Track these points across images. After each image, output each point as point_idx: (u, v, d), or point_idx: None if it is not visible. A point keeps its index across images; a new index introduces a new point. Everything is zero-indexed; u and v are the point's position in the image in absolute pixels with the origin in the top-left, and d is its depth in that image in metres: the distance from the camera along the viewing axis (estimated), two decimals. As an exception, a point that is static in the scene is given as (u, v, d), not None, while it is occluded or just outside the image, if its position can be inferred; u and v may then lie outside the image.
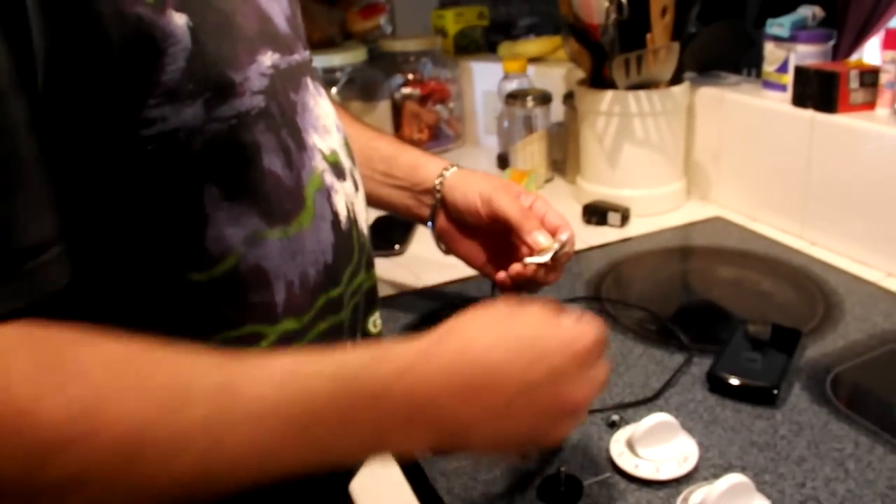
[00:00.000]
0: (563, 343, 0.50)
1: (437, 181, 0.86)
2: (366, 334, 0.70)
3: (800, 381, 0.79)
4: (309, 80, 0.62)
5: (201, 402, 0.42)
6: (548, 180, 1.50)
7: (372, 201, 0.90)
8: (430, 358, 0.48)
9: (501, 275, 0.81)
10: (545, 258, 0.78)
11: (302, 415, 0.44)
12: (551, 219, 0.82)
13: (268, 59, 0.54)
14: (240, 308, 0.53)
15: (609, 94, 1.24)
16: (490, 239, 0.86)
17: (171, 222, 0.49)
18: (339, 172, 0.62)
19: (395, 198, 0.89)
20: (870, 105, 1.08)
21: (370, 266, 0.70)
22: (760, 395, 0.76)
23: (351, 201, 0.63)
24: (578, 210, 1.28)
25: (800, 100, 1.12)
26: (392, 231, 1.24)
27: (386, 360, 0.47)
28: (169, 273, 0.50)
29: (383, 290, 1.05)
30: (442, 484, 0.67)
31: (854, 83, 1.07)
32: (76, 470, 0.39)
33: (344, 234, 0.61)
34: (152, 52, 0.46)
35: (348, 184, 0.64)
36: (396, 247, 1.19)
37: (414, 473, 0.69)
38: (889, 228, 1.01)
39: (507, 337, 0.50)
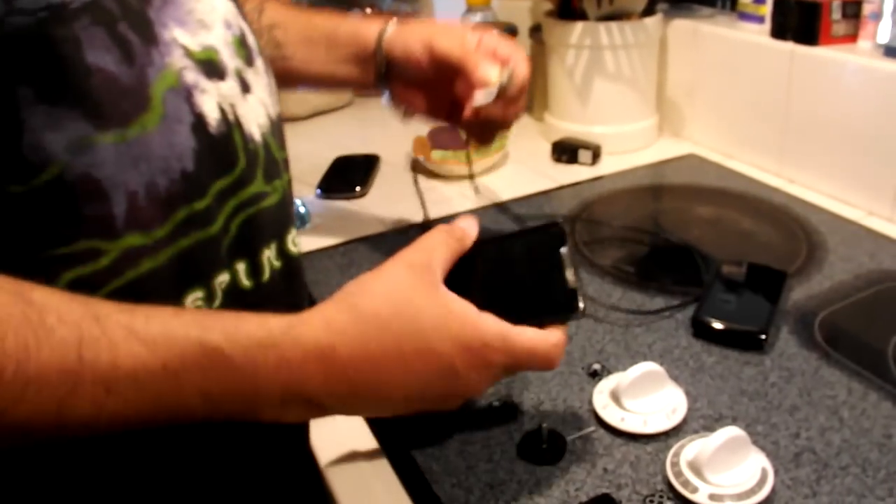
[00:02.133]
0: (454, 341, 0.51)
1: (377, 41, 0.81)
2: (286, 255, 0.63)
3: (787, 324, 0.75)
4: None
5: (56, 349, 0.40)
6: (514, 118, 1.44)
7: (319, 83, 0.88)
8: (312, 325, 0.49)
9: (463, 119, 0.79)
10: (490, 94, 0.74)
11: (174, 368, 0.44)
12: (502, 51, 0.78)
13: None
14: (70, 222, 0.46)
15: (579, 26, 1.18)
16: (446, 89, 0.81)
17: None
18: (212, 71, 0.54)
19: (343, 72, 0.84)
20: (852, 37, 1.03)
21: (273, 176, 0.61)
22: (748, 341, 0.72)
23: (230, 103, 0.56)
24: (547, 148, 1.23)
25: (779, 31, 1.07)
26: (352, 172, 1.18)
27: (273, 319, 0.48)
28: None
29: (344, 234, 1.00)
30: (415, 443, 0.63)
31: (836, 14, 1.02)
32: None
33: (214, 138, 0.53)
34: None
35: (228, 84, 0.56)
36: (357, 189, 1.13)
37: (382, 430, 0.64)
38: (870, 166, 0.97)
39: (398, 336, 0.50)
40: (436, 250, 0.55)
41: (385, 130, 1.41)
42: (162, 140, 0.49)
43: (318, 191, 1.13)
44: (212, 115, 0.53)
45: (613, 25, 1.16)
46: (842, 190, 1.02)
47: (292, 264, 0.63)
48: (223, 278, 0.56)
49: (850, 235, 0.92)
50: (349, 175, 1.17)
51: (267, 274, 0.60)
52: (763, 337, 0.72)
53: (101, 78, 0.46)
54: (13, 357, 0.38)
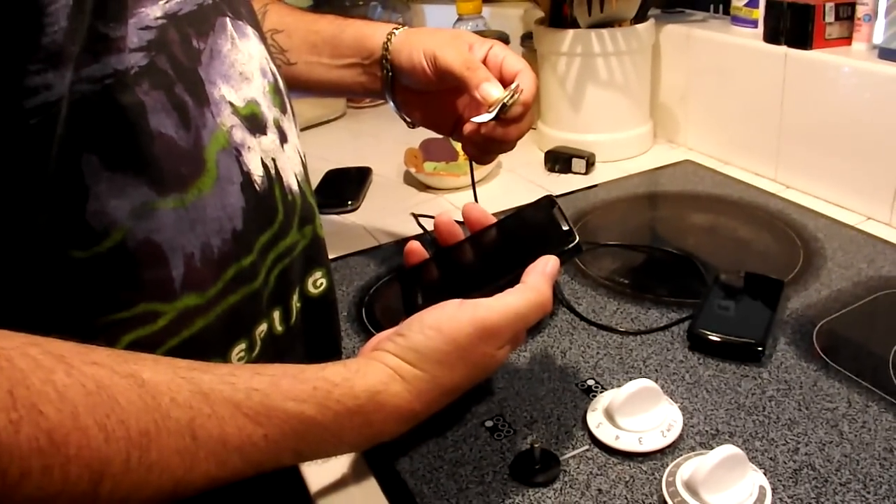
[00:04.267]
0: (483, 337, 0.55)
1: (383, 48, 0.79)
2: (305, 296, 0.64)
3: (784, 335, 0.74)
4: (228, 21, 0.55)
5: (173, 432, 0.41)
6: (507, 127, 1.42)
7: (323, 89, 0.86)
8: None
9: (465, 146, 0.80)
10: (490, 115, 0.72)
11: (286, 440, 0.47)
12: (510, 65, 0.76)
13: (158, 8, 0.47)
14: (131, 286, 0.47)
15: (570, 34, 1.17)
16: (451, 100, 0.81)
17: (48, 197, 0.43)
18: (255, 126, 0.55)
19: (347, 78, 0.83)
20: (846, 40, 1.02)
21: (306, 223, 0.63)
22: (745, 353, 0.70)
23: (272, 157, 0.57)
24: (540, 157, 1.21)
25: (772, 35, 1.06)
26: (344, 186, 1.17)
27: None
28: (49, 252, 0.44)
29: (336, 250, 0.98)
30: (405, 465, 0.61)
31: (829, 17, 1.01)
32: (43, 496, 0.36)
33: (259, 195, 0.55)
34: (29, 10, 0.39)
35: (269, 138, 0.57)
36: (349, 203, 1.12)
37: (374, 454, 0.63)
38: (867, 169, 0.96)
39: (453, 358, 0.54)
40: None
41: (377, 142, 1.41)
42: (216, 202, 0.50)
43: (310, 205, 1.12)
44: (257, 173, 0.54)
45: (605, 32, 1.15)
46: (839, 194, 1.01)
47: (312, 304, 0.66)
48: (262, 328, 0.58)
49: (847, 241, 0.91)
50: (341, 188, 1.16)
51: (294, 317, 0.62)
52: (760, 349, 0.70)
53: (163, 143, 0.46)
54: (137, 444, 0.39)
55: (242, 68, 0.55)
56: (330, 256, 0.96)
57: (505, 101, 0.72)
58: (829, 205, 1.01)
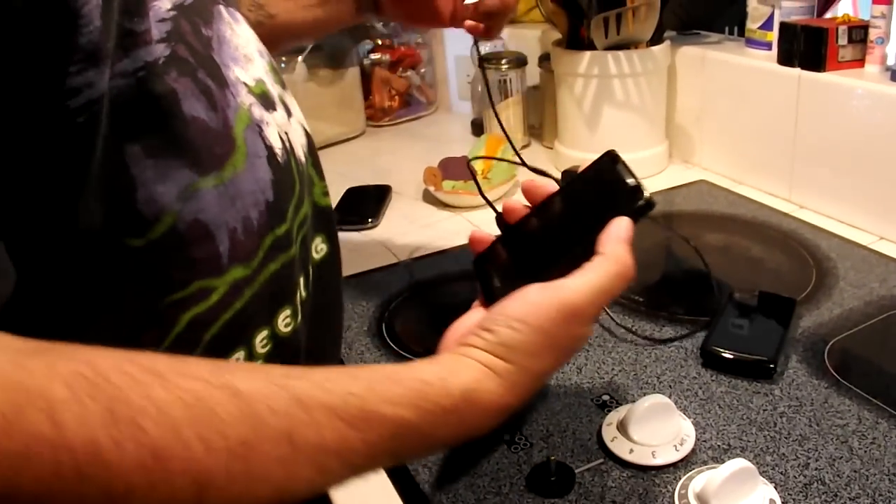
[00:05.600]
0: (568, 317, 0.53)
1: None
2: (308, 262, 0.64)
3: (796, 352, 0.75)
4: (222, 9, 0.57)
5: (272, 440, 0.41)
6: (525, 146, 1.45)
7: (309, 31, 0.89)
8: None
9: (468, 23, 0.81)
10: None
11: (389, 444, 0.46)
12: None
13: (167, 1, 0.49)
14: (186, 267, 0.49)
15: (587, 56, 1.19)
16: None
17: (97, 190, 0.45)
18: (267, 103, 0.57)
19: (333, 13, 0.86)
20: (859, 62, 1.03)
21: (311, 191, 0.65)
22: (757, 370, 0.72)
23: (285, 131, 0.59)
24: (557, 176, 1.23)
25: (786, 58, 1.08)
26: (364, 204, 1.19)
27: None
28: (105, 245, 0.46)
29: (356, 266, 1.00)
30: (424, 476, 0.63)
31: (842, 39, 1.02)
32: None
33: (282, 167, 0.57)
34: (65, 14, 0.41)
35: (279, 113, 0.59)
36: (370, 220, 1.14)
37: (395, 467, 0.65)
38: (879, 190, 0.97)
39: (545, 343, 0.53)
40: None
41: (396, 161, 1.43)
42: (249, 177, 0.52)
43: (331, 222, 1.14)
44: (277, 146, 0.56)
45: (621, 54, 1.17)
46: (851, 215, 1.02)
47: (317, 269, 0.66)
48: (299, 294, 0.60)
49: (860, 261, 0.92)
50: (361, 206, 1.19)
51: (310, 283, 0.63)
52: (772, 366, 0.72)
53: (197, 126, 0.48)
54: (237, 454, 0.39)
55: (245, 51, 0.57)
56: (350, 273, 0.99)
57: None
58: (841, 224, 1.02)
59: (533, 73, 1.44)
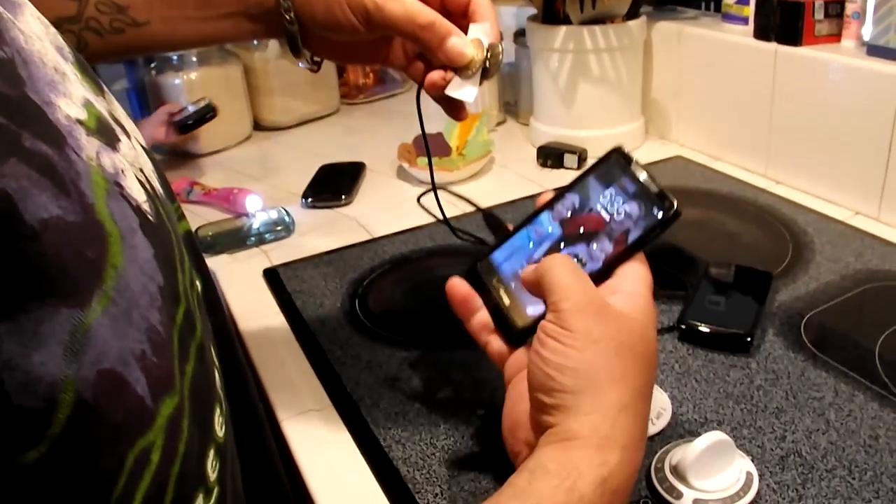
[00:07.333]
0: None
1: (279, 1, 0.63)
2: (206, 322, 0.49)
3: (773, 326, 0.75)
4: (25, 9, 0.41)
5: None
6: (500, 123, 1.43)
7: (192, 45, 0.73)
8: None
9: (431, 77, 0.62)
10: (471, 91, 0.60)
11: None
12: (478, 7, 0.62)
13: None
14: (110, 443, 0.32)
15: (562, 30, 1.18)
16: (388, 45, 0.67)
17: None
18: (108, 136, 0.40)
19: (227, 29, 0.67)
20: (835, 37, 1.03)
21: (177, 226, 0.47)
22: (734, 343, 0.71)
23: (139, 168, 0.42)
24: (533, 153, 1.22)
25: (762, 32, 1.07)
26: (337, 181, 1.18)
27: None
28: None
29: (330, 243, 0.99)
30: (398, 453, 0.62)
31: (819, 14, 1.02)
32: None
33: (156, 226, 0.40)
34: None
35: (123, 142, 0.42)
36: (343, 197, 1.12)
37: (368, 442, 0.64)
38: (856, 166, 0.97)
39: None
40: (569, 289, 0.50)
41: (370, 138, 1.41)
42: (134, 269, 0.36)
43: (304, 199, 1.12)
44: (142, 200, 0.40)
45: (597, 29, 1.16)
46: (828, 190, 1.02)
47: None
48: (217, 366, 0.47)
49: (836, 235, 0.92)
50: (335, 183, 1.17)
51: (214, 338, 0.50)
52: (749, 339, 0.71)
53: (52, 233, 0.31)
54: None
55: (41, 56, 0.38)
56: (325, 249, 0.97)
57: (485, 58, 0.60)
58: (818, 200, 1.02)
59: (508, 50, 1.42)
